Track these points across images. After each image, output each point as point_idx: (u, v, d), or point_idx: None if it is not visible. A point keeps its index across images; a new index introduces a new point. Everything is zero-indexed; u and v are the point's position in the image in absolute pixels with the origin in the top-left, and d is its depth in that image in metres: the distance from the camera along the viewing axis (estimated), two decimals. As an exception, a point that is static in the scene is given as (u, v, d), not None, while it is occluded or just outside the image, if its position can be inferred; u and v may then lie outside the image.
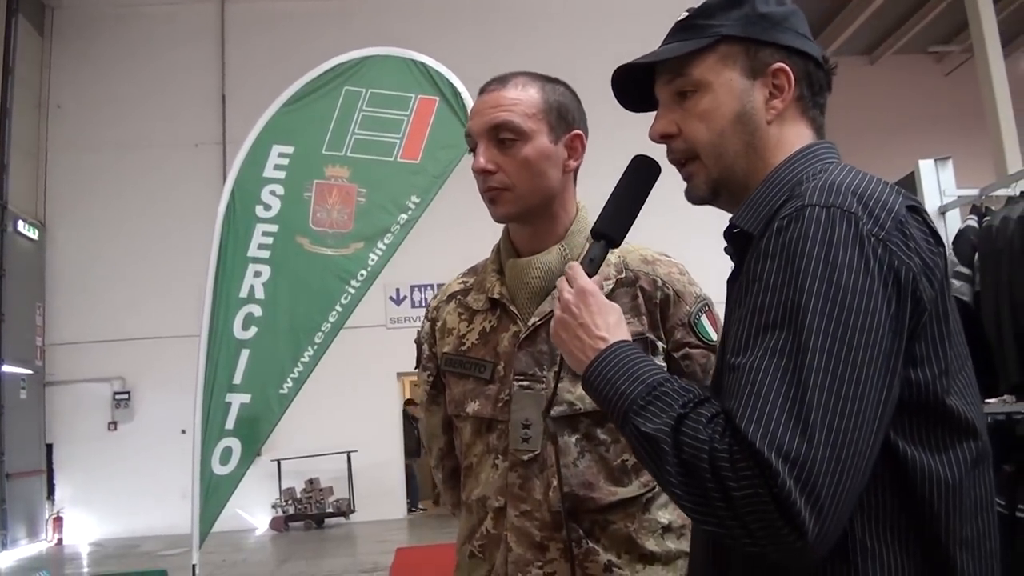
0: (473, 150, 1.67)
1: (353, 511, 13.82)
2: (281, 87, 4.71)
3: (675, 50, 1.27)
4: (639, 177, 1.39)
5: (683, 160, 1.31)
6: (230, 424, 4.45)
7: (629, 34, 14.39)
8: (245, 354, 4.44)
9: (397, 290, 14.51)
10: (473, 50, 11.81)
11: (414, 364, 1.90)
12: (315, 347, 4.50)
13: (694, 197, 1.32)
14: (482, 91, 1.70)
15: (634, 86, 1.36)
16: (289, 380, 4.47)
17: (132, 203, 14.55)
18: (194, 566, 4.58)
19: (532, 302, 1.68)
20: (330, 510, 13.82)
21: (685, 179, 1.32)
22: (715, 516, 1.02)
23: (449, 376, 1.78)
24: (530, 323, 1.66)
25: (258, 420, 4.51)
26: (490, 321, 1.73)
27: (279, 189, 4.55)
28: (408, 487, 15.18)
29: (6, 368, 12.88)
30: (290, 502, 13.76)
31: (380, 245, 4.56)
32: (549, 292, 1.64)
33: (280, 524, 13.57)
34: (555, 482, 1.59)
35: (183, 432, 12.96)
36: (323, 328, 4.50)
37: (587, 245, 1.54)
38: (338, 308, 4.51)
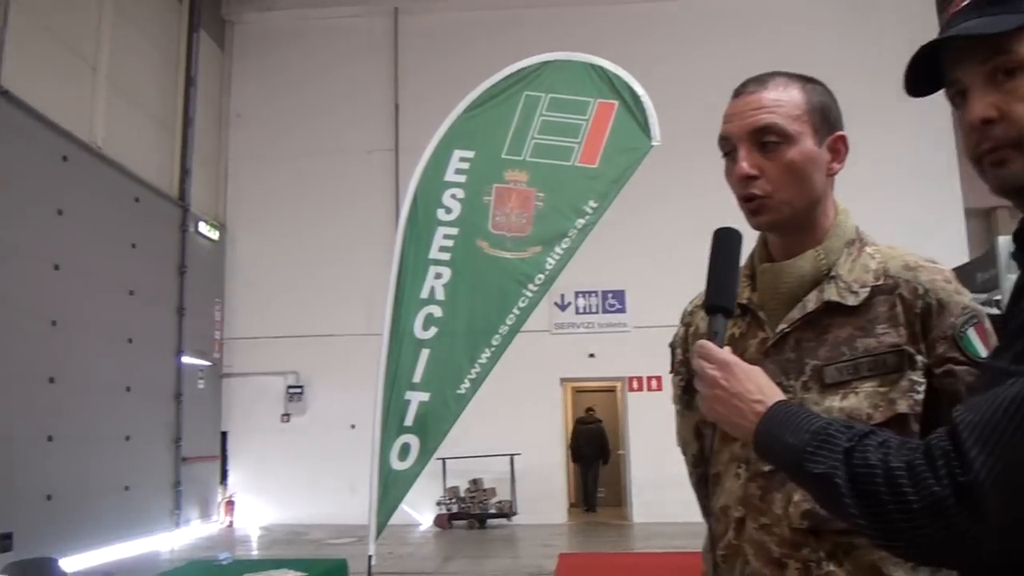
0: (727, 154, 1.59)
1: (515, 513, 13.96)
2: (453, 95, 4.80)
3: (1000, 23, 1.10)
4: (726, 246, 1.48)
5: (1000, 147, 1.13)
6: (409, 421, 4.58)
7: (810, 36, 14.04)
8: (425, 353, 4.55)
9: (562, 296, 14.56)
10: (648, 55, 11.73)
11: (668, 368, 1.87)
12: (492, 349, 4.56)
13: (1006, 185, 1.14)
14: (738, 92, 1.61)
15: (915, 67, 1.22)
16: (467, 381, 4.55)
17: (306, 207, 15.26)
18: (370, 557, 4.74)
19: (781, 308, 1.60)
20: (492, 511, 14.01)
21: (995, 164, 1.14)
22: (895, 530, 1.03)
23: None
24: (778, 330, 1.58)
25: (436, 418, 4.62)
26: (739, 327, 1.65)
27: (460, 193, 4.65)
28: (595, 488, 15.75)
29: (186, 359, 13.75)
30: (454, 500, 14.03)
31: (557, 249, 4.59)
32: (800, 299, 1.57)
33: (444, 521, 13.86)
34: (796, 497, 1.50)
35: (352, 427, 13.45)
36: (500, 331, 4.56)
37: (843, 251, 1.59)
38: (515, 311, 4.57)
